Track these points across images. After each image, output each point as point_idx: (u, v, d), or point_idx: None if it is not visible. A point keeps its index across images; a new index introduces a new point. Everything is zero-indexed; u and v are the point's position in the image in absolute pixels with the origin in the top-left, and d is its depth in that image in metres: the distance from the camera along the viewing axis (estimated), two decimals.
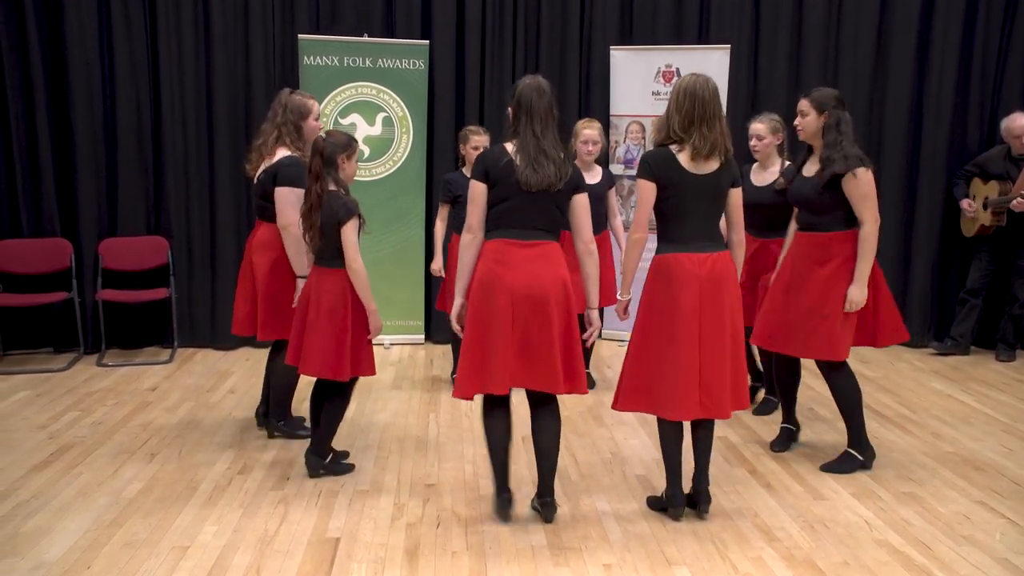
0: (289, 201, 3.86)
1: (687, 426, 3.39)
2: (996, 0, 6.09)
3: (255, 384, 5.15)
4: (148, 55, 5.81)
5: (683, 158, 3.26)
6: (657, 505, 3.54)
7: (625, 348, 3.51)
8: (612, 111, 6.22)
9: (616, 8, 6.22)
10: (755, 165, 4.56)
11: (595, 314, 3.36)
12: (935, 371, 5.73)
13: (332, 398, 3.75)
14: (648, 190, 3.28)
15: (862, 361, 5.94)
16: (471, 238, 3.25)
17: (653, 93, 6.10)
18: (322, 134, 3.69)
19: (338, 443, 4.21)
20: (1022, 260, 5.88)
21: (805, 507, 3.57)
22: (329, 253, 3.60)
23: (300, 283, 3.90)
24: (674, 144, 3.29)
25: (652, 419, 4.59)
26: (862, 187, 3.66)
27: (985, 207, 5.94)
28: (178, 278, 5.93)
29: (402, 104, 6.05)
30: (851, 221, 3.73)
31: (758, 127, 4.46)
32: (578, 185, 3.27)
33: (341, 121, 5.98)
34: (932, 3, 6.10)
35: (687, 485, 3.47)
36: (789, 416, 4.26)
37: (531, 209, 3.20)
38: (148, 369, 5.54)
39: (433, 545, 3.21)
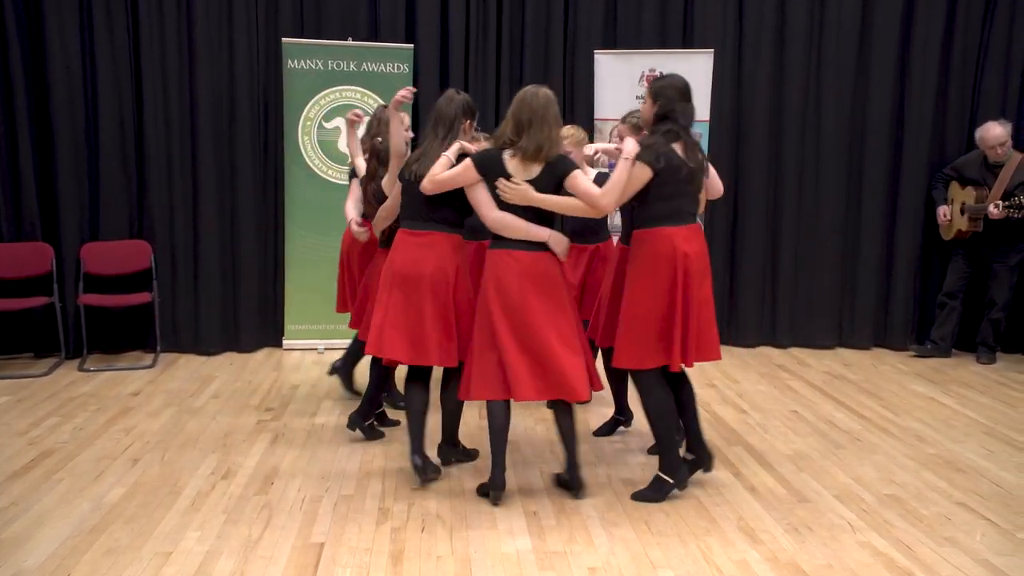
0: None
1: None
2: (975, 8, 6.16)
3: (239, 388, 5.13)
4: (130, 58, 5.77)
5: (512, 163, 3.41)
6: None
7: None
8: (596, 115, 6.23)
9: (600, 12, 6.23)
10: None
11: None
12: (917, 373, 5.78)
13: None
14: (470, 175, 3.46)
15: (845, 364, 5.98)
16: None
17: (637, 97, 6.11)
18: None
19: (321, 448, 4.20)
20: (997, 264, 5.95)
21: (789, 509, 3.59)
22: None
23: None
24: (506, 148, 3.43)
25: (641, 423, 4.62)
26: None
27: (962, 212, 5.99)
28: (161, 282, 5.89)
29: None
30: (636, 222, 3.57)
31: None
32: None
33: (325, 125, 5.96)
34: (913, 9, 6.16)
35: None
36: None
37: (417, 203, 3.62)
38: (130, 374, 5.50)
39: (418, 549, 3.20)
